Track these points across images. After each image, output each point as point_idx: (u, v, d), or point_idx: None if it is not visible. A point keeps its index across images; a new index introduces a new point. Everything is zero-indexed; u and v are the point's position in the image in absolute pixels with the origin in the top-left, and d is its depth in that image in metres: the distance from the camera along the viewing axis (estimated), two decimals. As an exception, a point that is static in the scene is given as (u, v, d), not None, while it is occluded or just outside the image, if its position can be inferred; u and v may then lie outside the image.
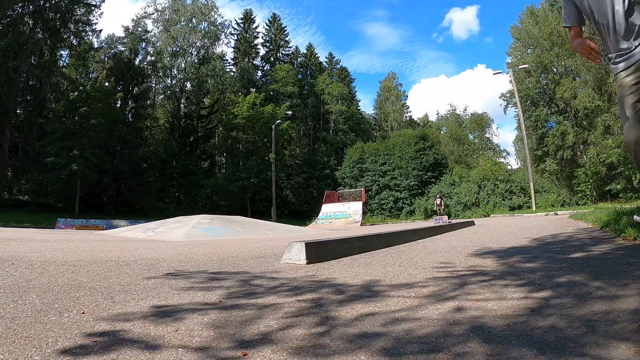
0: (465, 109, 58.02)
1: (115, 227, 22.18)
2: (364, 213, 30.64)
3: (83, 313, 2.13)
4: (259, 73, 58.66)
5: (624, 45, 2.33)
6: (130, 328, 1.86)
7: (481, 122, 53.82)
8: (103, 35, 45.05)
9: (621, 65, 2.36)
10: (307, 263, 4.22)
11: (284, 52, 61.02)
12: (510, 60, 40.53)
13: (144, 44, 47.14)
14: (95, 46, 43.24)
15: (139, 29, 47.27)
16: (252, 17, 58.57)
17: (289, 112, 45.27)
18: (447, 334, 1.67)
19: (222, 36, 51.42)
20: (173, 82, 48.54)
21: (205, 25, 48.80)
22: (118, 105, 40.70)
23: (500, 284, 2.70)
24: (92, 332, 1.80)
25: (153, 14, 47.58)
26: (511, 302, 2.18)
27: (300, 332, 1.76)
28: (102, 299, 2.48)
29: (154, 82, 48.42)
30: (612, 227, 6.09)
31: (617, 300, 2.04)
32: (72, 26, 38.15)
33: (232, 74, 53.74)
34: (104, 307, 2.27)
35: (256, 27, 59.13)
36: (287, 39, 61.24)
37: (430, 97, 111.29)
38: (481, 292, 2.46)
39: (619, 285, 2.38)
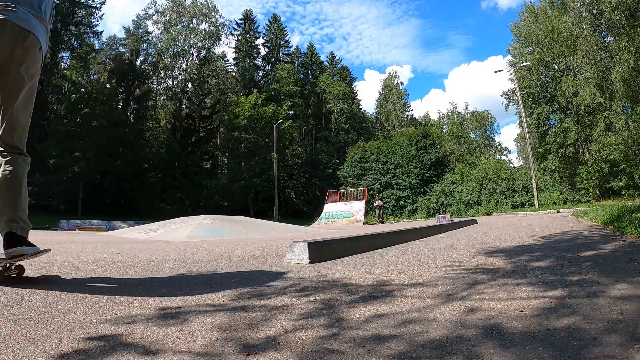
0: (467, 107, 57.96)
1: (117, 228, 22.20)
2: (367, 212, 30.60)
3: (86, 314, 2.12)
4: (260, 73, 58.71)
5: None
6: (134, 330, 1.84)
7: (482, 120, 53.68)
8: (104, 37, 45.14)
9: None
10: (310, 262, 4.21)
11: (284, 52, 61.08)
12: (511, 58, 40.49)
13: (145, 45, 47.19)
14: (96, 48, 43.28)
15: (140, 30, 47.32)
16: (252, 17, 58.64)
17: (291, 112, 45.33)
18: (461, 336, 1.63)
19: (223, 36, 51.39)
20: (174, 82, 48.58)
21: (206, 25, 48.86)
22: (119, 106, 40.83)
23: (512, 283, 2.66)
24: (95, 334, 1.78)
25: (154, 15, 47.63)
26: (525, 302, 2.14)
27: (308, 335, 1.72)
28: (105, 300, 2.47)
29: (155, 83, 48.51)
30: (616, 225, 6.07)
31: (635, 300, 2.01)
32: (73, 28, 38.22)
33: (233, 74, 53.79)
34: (107, 308, 2.26)
35: (257, 27, 59.20)
36: (287, 38, 61.32)
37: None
38: (493, 292, 2.42)
39: (634, 283, 2.36)
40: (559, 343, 1.47)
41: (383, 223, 26.99)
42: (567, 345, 1.44)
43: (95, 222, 26.75)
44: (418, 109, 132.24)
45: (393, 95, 68.73)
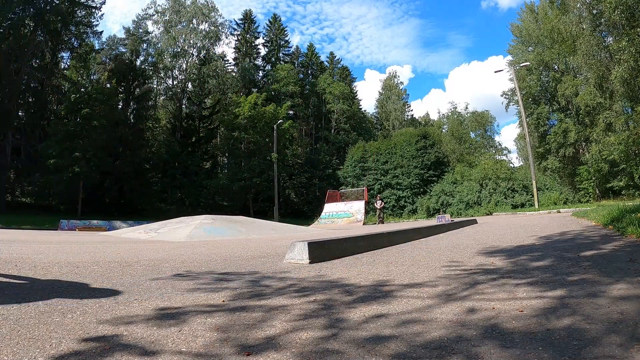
0: (467, 107, 57.94)
1: (117, 228, 22.19)
2: (367, 212, 30.56)
3: (87, 314, 2.12)
4: (260, 73, 58.64)
5: None
6: (133, 330, 1.84)
7: (482, 120, 53.61)
8: (104, 37, 45.05)
9: None
10: (310, 262, 4.21)
11: (284, 52, 61.01)
12: (511, 58, 40.46)
13: (145, 45, 47.13)
14: (97, 48, 43.24)
15: (140, 30, 47.28)
16: (252, 17, 58.61)
17: (291, 112, 45.30)
18: (460, 337, 1.62)
19: (223, 36, 51.32)
20: (174, 82, 48.51)
21: (206, 25, 48.80)
22: (120, 106, 40.73)
23: (512, 283, 2.66)
24: (95, 334, 1.78)
25: (154, 15, 47.58)
26: (524, 302, 2.13)
27: (308, 335, 1.72)
28: (105, 300, 2.47)
29: (155, 83, 48.42)
30: (616, 225, 6.07)
31: (635, 300, 2.00)
32: (73, 28, 38.18)
33: (233, 74, 53.72)
34: (107, 308, 2.26)
35: (256, 27, 59.15)
36: (287, 38, 61.28)
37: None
38: (493, 292, 2.42)
39: (635, 283, 2.35)
40: (559, 343, 1.47)
41: (383, 223, 26.91)
42: (567, 345, 1.44)
43: (95, 222, 26.69)
44: (418, 109, 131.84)
45: (393, 95, 68.61)
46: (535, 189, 26.79)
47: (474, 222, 13.43)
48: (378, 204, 26.86)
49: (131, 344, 1.64)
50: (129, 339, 1.72)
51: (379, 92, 71.80)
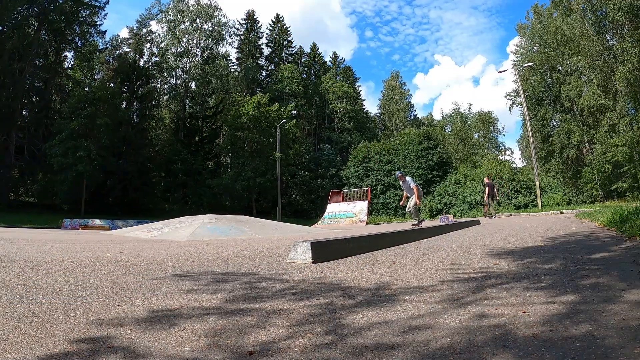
0: (470, 108, 57.94)
1: (120, 227, 22.23)
2: (369, 212, 30.50)
3: (90, 313, 2.12)
4: (263, 73, 58.69)
5: None
6: (136, 329, 1.84)
7: (486, 120, 53.53)
8: (108, 37, 45.22)
9: None
10: (313, 262, 4.20)
11: (287, 52, 61.01)
12: (515, 59, 40.40)
13: (148, 44, 47.25)
14: (100, 47, 43.38)
15: (144, 30, 47.41)
16: (254, 17, 58.64)
17: (294, 112, 45.38)
18: (470, 345, 1.55)
19: (226, 36, 51.40)
20: (178, 82, 48.61)
21: (210, 25, 48.87)
22: (123, 106, 40.80)
23: (520, 286, 2.59)
24: (99, 333, 1.78)
25: (157, 14, 47.71)
26: (536, 307, 2.05)
27: (306, 343, 1.67)
28: (108, 299, 2.47)
29: (158, 82, 48.53)
30: (620, 227, 6.03)
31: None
32: (76, 28, 38.30)
33: (236, 74, 53.75)
34: (110, 307, 2.26)
35: (259, 27, 59.19)
36: (290, 38, 61.30)
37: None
38: (501, 297, 2.34)
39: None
40: (576, 354, 1.40)
41: (493, 215, 20.13)
42: (586, 356, 1.38)
43: (98, 221, 26.75)
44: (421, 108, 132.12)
45: (396, 95, 68.66)
46: (538, 190, 26.67)
47: (477, 222, 13.38)
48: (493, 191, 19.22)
49: (134, 343, 1.64)
50: (132, 337, 1.72)
51: (382, 92, 71.90)
